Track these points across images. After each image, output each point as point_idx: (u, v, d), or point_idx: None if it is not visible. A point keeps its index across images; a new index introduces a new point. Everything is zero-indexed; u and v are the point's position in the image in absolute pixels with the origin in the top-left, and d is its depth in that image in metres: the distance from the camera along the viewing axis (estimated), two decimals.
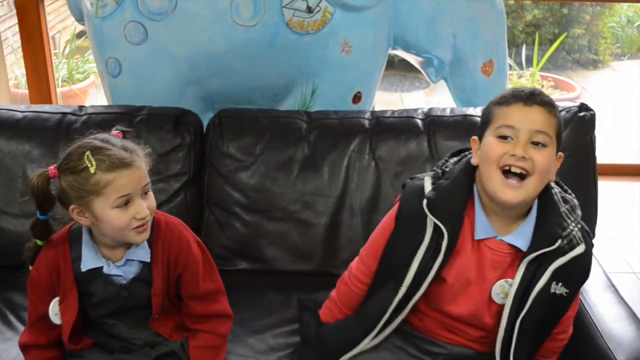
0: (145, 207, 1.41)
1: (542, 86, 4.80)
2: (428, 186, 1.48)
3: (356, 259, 1.60)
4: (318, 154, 1.98)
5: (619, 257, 2.93)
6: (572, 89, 4.83)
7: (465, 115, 2.01)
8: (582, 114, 1.96)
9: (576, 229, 1.43)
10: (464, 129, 1.97)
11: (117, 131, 1.49)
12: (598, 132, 1.99)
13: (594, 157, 1.96)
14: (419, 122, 2.01)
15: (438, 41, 2.37)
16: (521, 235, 1.43)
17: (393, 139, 1.98)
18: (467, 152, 1.54)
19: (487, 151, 1.40)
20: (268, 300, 1.89)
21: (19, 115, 2.06)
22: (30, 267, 1.54)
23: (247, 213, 1.99)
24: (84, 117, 2.04)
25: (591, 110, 1.98)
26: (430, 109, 2.06)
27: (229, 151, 2.01)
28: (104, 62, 2.25)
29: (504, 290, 1.45)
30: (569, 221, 1.43)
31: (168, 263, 1.51)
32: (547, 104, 1.39)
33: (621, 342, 1.55)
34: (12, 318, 1.80)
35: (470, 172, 1.46)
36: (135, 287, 1.51)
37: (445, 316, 1.51)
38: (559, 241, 1.40)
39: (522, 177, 1.37)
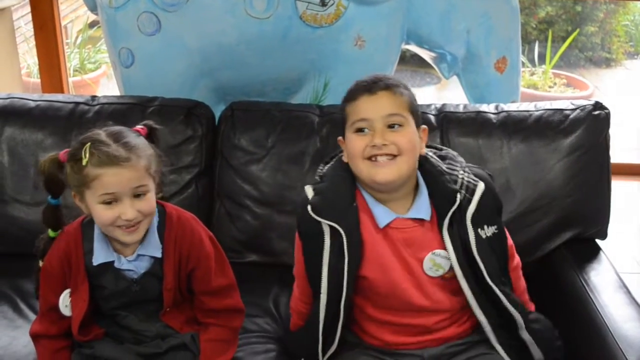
0: (132, 209, 1.39)
1: (555, 84, 4.78)
2: (310, 193, 1.51)
3: (295, 281, 1.63)
4: (330, 148, 1.97)
5: (631, 257, 2.91)
6: (585, 87, 4.79)
7: (479, 112, 2.00)
8: (596, 112, 1.95)
9: (466, 174, 1.48)
10: (477, 125, 1.96)
11: (142, 126, 1.49)
12: (610, 131, 1.98)
13: (607, 157, 1.95)
14: (432, 117, 2.00)
15: (452, 37, 2.36)
16: (419, 207, 1.48)
17: None
18: (335, 156, 1.59)
19: (350, 148, 1.45)
20: (277, 293, 1.89)
21: (32, 104, 2.06)
22: (40, 262, 1.54)
23: (258, 206, 1.98)
24: (97, 107, 2.04)
25: (606, 108, 1.96)
26: (444, 105, 2.05)
27: (241, 143, 2.00)
28: (117, 52, 2.25)
29: (436, 262, 1.47)
30: (456, 172, 1.48)
31: (180, 258, 1.50)
32: (392, 86, 1.45)
33: (632, 343, 1.53)
34: (22, 306, 1.81)
35: (346, 168, 1.50)
36: (146, 282, 1.51)
37: (389, 315, 1.51)
38: (458, 195, 1.44)
39: (390, 157, 1.41)
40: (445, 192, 1.46)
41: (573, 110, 1.97)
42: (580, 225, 1.93)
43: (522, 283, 1.62)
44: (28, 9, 3.18)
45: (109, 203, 1.39)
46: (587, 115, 1.94)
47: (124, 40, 2.21)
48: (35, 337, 1.56)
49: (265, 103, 2.11)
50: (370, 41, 2.23)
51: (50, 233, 1.53)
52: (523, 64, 4.15)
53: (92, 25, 4.92)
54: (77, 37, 4.96)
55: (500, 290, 1.47)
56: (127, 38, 2.20)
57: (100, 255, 1.48)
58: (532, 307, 1.61)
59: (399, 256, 1.48)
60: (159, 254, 1.49)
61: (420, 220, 1.48)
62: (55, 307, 1.52)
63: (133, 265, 1.50)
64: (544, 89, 4.72)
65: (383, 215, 1.47)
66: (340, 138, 1.53)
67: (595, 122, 1.94)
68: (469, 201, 1.45)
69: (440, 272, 1.48)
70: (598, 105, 1.97)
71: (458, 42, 2.38)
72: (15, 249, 1.99)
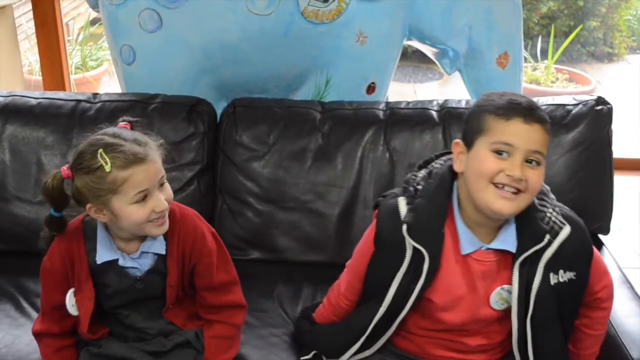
0: (163, 199, 1.40)
1: (557, 79, 4.76)
2: (403, 207, 1.44)
3: (343, 275, 1.59)
4: (332, 145, 1.97)
5: (634, 252, 2.91)
6: (587, 82, 4.78)
7: None
8: (599, 107, 1.94)
9: (554, 213, 1.42)
10: None
11: (124, 122, 1.46)
12: (613, 126, 1.97)
13: (610, 152, 1.95)
14: (434, 113, 1.99)
15: (453, 32, 2.36)
16: (506, 239, 1.42)
17: (408, 130, 1.97)
18: (433, 163, 1.51)
19: (481, 166, 1.35)
20: (280, 290, 1.89)
21: (33, 101, 2.06)
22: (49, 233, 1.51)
23: (259, 202, 1.98)
24: (98, 105, 2.04)
25: (608, 104, 1.96)
26: (446, 101, 2.05)
27: (243, 140, 2.00)
28: (118, 49, 2.24)
29: (502, 297, 1.45)
30: (545, 210, 1.42)
31: (183, 254, 1.50)
32: (545, 122, 1.36)
33: (636, 338, 1.54)
34: (25, 304, 1.81)
35: (447, 184, 1.43)
36: (150, 279, 1.51)
37: (439, 331, 1.49)
38: (547, 236, 1.39)
39: (515, 191, 1.35)
40: (535, 230, 1.39)
41: (575, 105, 1.96)
42: (583, 221, 1.92)
43: (591, 344, 1.54)
44: (29, 6, 3.17)
45: (142, 200, 1.38)
46: (589, 111, 1.94)
47: (126, 38, 2.21)
48: (37, 335, 1.56)
49: (267, 100, 2.10)
50: (372, 37, 2.23)
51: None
52: (525, 59, 4.14)
53: (93, 22, 4.91)
54: (78, 35, 4.95)
55: (534, 336, 1.43)
56: (129, 35, 2.20)
57: (103, 253, 1.48)
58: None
59: (471, 287, 1.44)
60: (162, 251, 1.49)
61: (501, 253, 1.43)
62: (57, 306, 1.51)
63: (137, 262, 1.49)
64: (546, 84, 4.71)
65: (468, 243, 1.42)
66: (458, 141, 1.42)
67: (597, 117, 1.94)
68: (550, 243, 1.39)
69: (505, 306, 1.45)
70: (600, 101, 1.96)
71: (460, 38, 2.37)
72: (17, 246, 1.99)
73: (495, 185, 1.34)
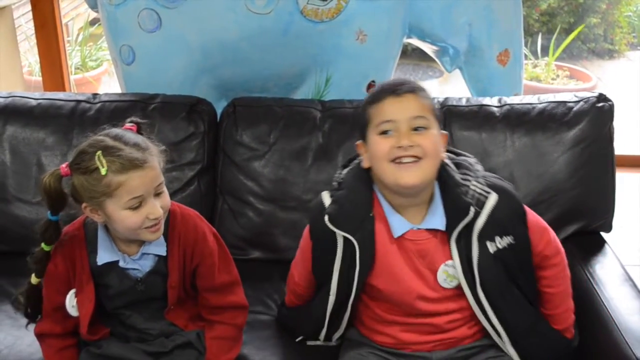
0: (158, 206, 1.39)
1: (558, 76, 4.76)
2: (327, 200, 1.51)
3: (294, 265, 1.65)
4: (332, 143, 1.97)
5: (637, 250, 2.90)
6: (588, 79, 4.78)
7: (482, 105, 1.99)
8: (600, 104, 1.94)
9: (477, 185, 1.46)
10: (480, 119, 1.95)
11: (131, 124, 1.45)
12: (614, 122, 1.96)
13: (612, 149, 1.94)
14: None
15: (454, 30, 2.35)
16: (434, 217, 1.47)
17: None
18: (355, 160, 1.56)
19: (375, 150, 1.43)
20: (281, 290, 1.87)
21: (33, 102, 2.06)
22: (33, 277, 1.50)
23: (260, 202, 1.98)
24: (98, 105, 2.04)
25: (610, 100, 1.95)
26: (446, 99, 2.04)
27: (243, 140, 2.00)
28: (118, 49, 2.24)
29: (449, 274, 1.48)
30: (467, 183, 1.46)
31: (184, 255, 1.50)
32: (417, 89, 1.45)
33: (639, 336, 1.53)
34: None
35: (365, 175, 1.50)
36: (151, 281, 1.50)
37: (403, 316, 1.51)
38: (472, 209, 1.43)
39: (414, 159, 1.40)
40: (459, 205, 1.44)
41: (577, 102, 1.96)
42: (585, 218, 1.92)
43: (559, 302, 1.56)
44: (29, 7, 3.17)
45: (135, 208, 1.37)
46: (590, 108, 1.93)
47: (125, 38, 2.21)
48: (40, 336, 1.56)
49: (267, 99, 2.10)
50: (371, 35, 2.22)
51: (44, 247, 1.48)
52: (525, 56, 4.14)
53: (93, 22, 4.91)
54: (78, 35, 4.95)
55: (493, 305, 1.46)
56: (128, 35, 2.19)
57: (104, 255, 1.47)
58: (559, 322, 1.55)
59: (412, 267, 1.48)
60: (163, 252, 1.49)
61: (434, 231, 1.47)
62: (59, 307, 1.51)
63: (138, 264, 1.49)
64: (547, 81, 4.70)
65: (398, 225, 1.47)
66: (359, 142, 1.51)
67: (599, 114, 1.93)
68: (478, 214, 1.43)
69: (455, 283, 1.48)
70: (602, 97, 1.96)
71: (460, 36, 2.37)
72: (17, 247, 1.97)
73: (394, 162, 1.40)
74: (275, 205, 1.97)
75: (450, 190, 1.46)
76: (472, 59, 2.43)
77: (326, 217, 1.48)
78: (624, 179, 2.47)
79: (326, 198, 1.52)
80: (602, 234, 1.96)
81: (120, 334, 1.56)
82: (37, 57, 3.47)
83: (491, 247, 1.45)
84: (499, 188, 1.47)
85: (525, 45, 4.26)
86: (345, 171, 1.56)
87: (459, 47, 2.39)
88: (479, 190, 1.45)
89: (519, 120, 1.94)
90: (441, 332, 1.51)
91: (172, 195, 1.88)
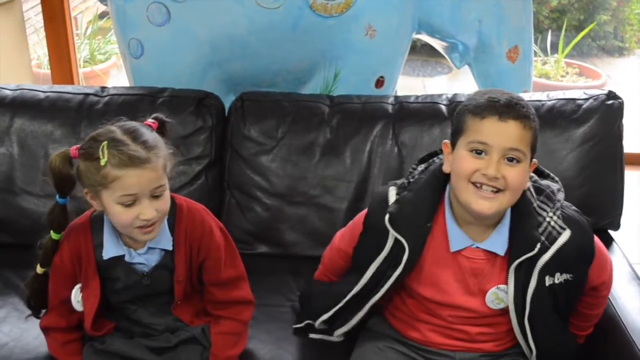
0: (151, 209, 1.37)
1: (567, 73, 4.73)
2: (392, 197, 1.46)
3: (339, 235, 1.62)
4: (340, 139, 1.97)
5: None
6: (598, 77, 4.74)
7: None
8: (610, 102, 1.93)
9: (555, 218, 1.40)
10: None
11: (153, 120, 1.45)
12: (624, 120, 1.95)
13: (621, 147, 1.93)
14: (444, 108, 1.98)
15: (463, 26, 2.34)
16: (496, 241, 1.42)
17: (417, 124, 1.96)
18: (435, 158, 1.51)
19: (459, 166, 1.37)
20: (288, 285, 1.88)
21: (42, 95, 2.06)
22: (39, 267, 1.51)
23: (267, 197, 1.98)
24: (106, 98, 2.04)
25: (619, 98, 1.95)
26: (455, 95, 2.04)
27: (251, 134, 2.00)
28: (126, 43, 2.24)
29: (498, 296, 1.45)
30: (544, 214, 1.41)
31: (191, 250, 1.50)
32: (523, 117, 1.34)
33: None
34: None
35: (438, 181, 1.44)
36: (157, 275, 1.50)
37: (439, 319, 1.50)
38: (538, 245, 1.38)
39: (495, 190, 1.35)
40: (527, 235, 1.39)
41: (586, 99, 1.95)
42: (593, 216, 1.87)
43: (590, 319, 1.57)
44: (38, 0, 3.17)
45: (127, 205, 1.36)
46: (600, 105, 1.92)
47: (134, 31, 2.21)
48: (45, 330, 1.57)
49: (275, 93, 2.10)
50: (381, 31, 2.22)
51: (53, 235, 1.49)
52: (535, 53, 4.13)
53: (102, 16, 4.91)
54: (87, 28, 4.95)
55: (532, 328, 1.45)
56: (137, 29, 2.19)
57: (110, 249, 1.47)
58: (580, 330, 1.58)
59: (462, 283, 1.46)
60: (169, 247, 1.48)
61: (494, 254, 1.43)
62: (65, 301, 1.51)
63: (144, 258, 1.49)
64: (556, 78, 4.67)
65: (457, 240, 1.43)
66: (446, 142, 1.43)
67: (608, 111, 1.92)
68: (546, 249, 1.39)
69: (501, 306, 1.46)
70: (611, 95, 1.95)
71: (470, 32, 2.36)
72: (24, 240, 1.96)
73: (474, 185, 1.34)
74: (283, 200, 1.97)
75: (523, 218, 1.40)
76: (481, 55, 2.42)
77: (387, 216, 1.44)
78: (632, 177, 2.46)
79: (392, 194, 1.47)
80: (610, 232, 1.96)
81: (126, 328, 1.56)
82: (45, 50, 3.47)
83: (548, 281, 1.41)
84: (574, 224, 1.42)
85: (535, 42, 4.24)
86: (420, 168, 1.50)
87: (469, 43, 2.39)
88: (552, 224, 1.40)
89: None
90: (470, 342, 1.51)
91: (180, 189, 1.89)
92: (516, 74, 2.45)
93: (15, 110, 2.03)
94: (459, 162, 1.37)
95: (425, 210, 1.44)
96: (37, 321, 1.59)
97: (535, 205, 1.41)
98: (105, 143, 1.34)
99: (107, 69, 4.65)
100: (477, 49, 2.40)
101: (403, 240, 1.43)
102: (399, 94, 2.30)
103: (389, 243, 1.45)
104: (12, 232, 2.02)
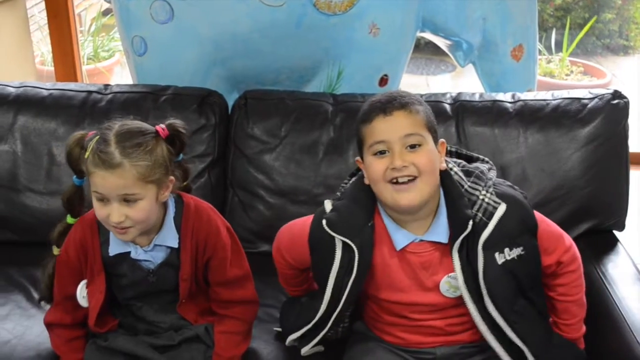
0: (119, 213, 1.37)
1: (572, 72, 4.72)
2: (328, 208, 1.49)
3: (285, 243, 1.60)
4: (344, 137, 1.96)
5: None
6: (603, 75, 4.73)
7: (495, 101, 1.98)
8: (615, 101, 1.92)
9: (488, 195, 1.43)
10: (494, 114, 1.94)
11: (164, 127, 1.44)
12: (629, 120, 1.94)
13: (626, 147, 1.92)
14: (447, 106, 1.98)
15: (468, 24, 2.34)
16: (437, 229, 1.44)
17: None
18: (361, 171, 1.53)
19: (370, 172, 1.41)
20: None
21: (45, 92, 2.06)
22: (55, 248, 1.54)
23: (271, 195, 1.97)
24: (109, 96, 2.04)
25: (625, 97, 1.93)
26: (459, 94, 2.03)
27: (254, 132, 1.99)
28: (130, 40, 2.24)
29: (451, 284, 1.46)
30: (477, 193, 1.43)
31: (197, 248, 1.49)
32: (407, 104, 1.40)
33: None
34: (36, 295, 1.80)
35: (367, 188, 1.47)
36: (163, 272, 1.50)
37: (406, 319, 1.51)
38: (470, 222, 1.40)
39: (411, 178, 1.38)
40: (460, 217, 1.41)
41: (591, 99, 1.94)
42: (598, 217, 1.91)
43: (575, 311, 1.52)
44: None
45: (101, 200, 1.38)
46: (605, 105, 1.91)
47: (137, 29, 2.20)
48: (49, 326, 1.57)
49: (279, 92, 2.09)
50: (384, 29, 2.21)
51: (69, 219, 1.52)
52: (539, 51, 4.12)
53: (105, 13, 4.91)
54: (90, 25, 4.95)
55: (507, 319, 1.43)
56: (140, 26, 2.19)
57: (116, 245, 1.48)
58: (574, 331, 1.53)
59: (415, 279, 1.47)
60: (175, 244, 1.48)
61: (438, 243, 1.45)
62: (70, 297, 1.51)
63: (150, 255, 1.49)
64: (561, 77, 4.66)
65: (400, 238, 1.45)
66: (358, 159, 1.49)
67: (613, 111, 1.91)
68: (485, 225, 1.40)
69: (458, 293, 1.46)
70: (617, 94, 1.94)
71: (474, 30, 2.35)
72: (28, 237, 1.99)
73: (391, 182, 1.38)
74: (286, 199, 1.96)
75: (453, 201, 1.43)
76: (485, 53, 2.41)
77: (324, 221, 1.46)
78: (637, 178, 2.45)
79: (328, 206, 1.50)
80: (615, 232, 1.95)
81: (130, 325, 1.56)
82: (49, 47, 3.47)
83: (500, 259, 1.42)
84: (509, 197, 1.44)
85: (539, 41, 4.23)
86: (351, 181, 1.54)
87: (473, 41, 2.38)
88: (487, 200, 1.42)
89: (533, 116, 1.92)
90: (444, 335, 1.50)
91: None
92: (521, 73, 2.44)
93: (18, 107, 2.03)
94: (369, 169, 1.42)
95: (362, 210, 1.46)
96: (41, 318, 1.59)
97: (466, 187, 1.44)
98: (97, 137, 1.37)
99: (110, 66, 4.65)
100: (482, 48, 2.40)
101: (349, 242, 1.44)
102: None
103: (338, 251, 1.46)
104: (15, 230, 2.02)
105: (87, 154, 1.36)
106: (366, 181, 1.45)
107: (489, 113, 1.95)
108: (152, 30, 2.17)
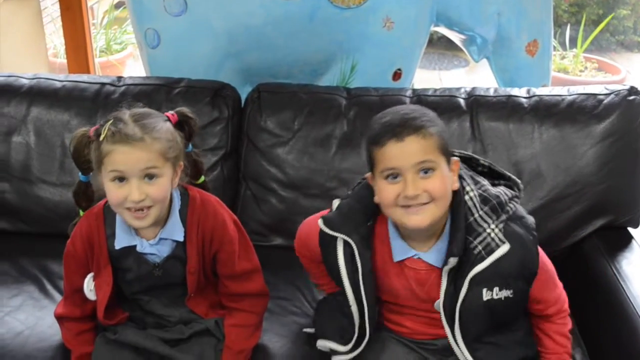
0: (139, 190, 1.36)
1: (586, 68, 4.68)
2: (334, 206, 1.48)
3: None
4: (357, 131, 1.95)
5: None
6: (617, 72, 4.69)
7: (510, 96, 1.96)
8: (631, 97, 1.90)
9: (496, 230, 1.38)
10: (508, 109, 1.93)
11: (173, 112, 1.46)
12: None
13: None
14: (462, 101, 1.96)
15: (482, 19, 2.32)
16: (436, 252, 1.41)
17: None
18: None
19: (382, 197, 1.37)
20: (303, 278, 1.87)
21: (58, 84, 2.06)
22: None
23: (283, 189, 1.97)
24: (122, 88, 2.04)
25: None
26: (474, 89, 2.02)
27: (267, 126, 1.99)
28: (143, 33, 2.24)
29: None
30: (485, 226, 1.38)
31: (203, 241, 1.49)
32: (420, 129, 1.33)
33: None
34: (49, 287, 1.82)
35: (372, 192, 1.43)
36: (169, 266, 1.50)
37: (417, 309, 1.50)
38: (454, 259, 1.37)
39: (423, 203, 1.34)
40: (458, 244, 1.37)
41: (607, 95, 1.92)
42: (612, 213, 1.89)
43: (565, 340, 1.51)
44: None
45: (119, 182, 1.36)
46: (621, 101, 1.90)
47: (150, 21, 2.20)
48: (59, 318, 1.57)
49: (292, 85, 2.08)
50: (399, 23, 2.20)
51: (82, 214, 1.53)
52: (553, 47, 4.10)
53: (118, 5, 4.92)
54: (103, 18, 4.96)
55: (469, 347, 1.43)
56: (153, 18, 2.19)
57: (122, 238, 1.47)
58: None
59: (411, 290, 1.46)
60: (181, 238, 1.48)
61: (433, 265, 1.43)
62: (79, 290, 1.51)
63: (155, 249, 1.48)
64: (575, 73, 4.63)
65: (399, 250, 1.44)
66: (368, 175, 1.44)
67: (630, 107, 1.89)
68: (482, 259, 1.37)
69: None
70: (633, 90, 1.92)
71: (489, 25, 2.33)
72: (41, 229, 2.00)
73: (402, 206, 1.35)
74: (299, 193, 1.96)
75: (457, 228, 1.38)
76: (500, 49, 2.40)
77: (320, 221, 1.45)
78: None
79: (334, 204, 1.49)
80: (630, 229, 1.93)
81: (139, 319, 1.56)
82: (62, 40, 3.47)
83: (486, 295, 1.39)
84: (516, 239, 1.39)
85: (554, 37, 4.21)
86: (364, 181, 1.51)
87: (487, 36, 2.36)
88: (492, 236, 1.38)
89: (548, 112, 1.91)
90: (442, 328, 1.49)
91: None
92: (535, 68, 2.43)
93: (32, 99, 2.03)
94: (380, 193, 1.38)
95: (363, 210, 1.44)
96: (52, 309, 1.60)
97: (476, 216, 1.39)
98: (110, 121, 1.37)
99: (123, 59, 4.65)
100: (496, 43, 2.38)
101: (346, 238, 1.42)
102: (416, 87, 2.29)
103: (340, 248, 1.44)
104: (28, 221, 2.03)
105: (102, 136, 1.35)
106: (376, 199, 1.41)
107: (504, 108, 1.93)
108: (165, 23, 2.17)
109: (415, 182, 1.33)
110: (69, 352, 1.56)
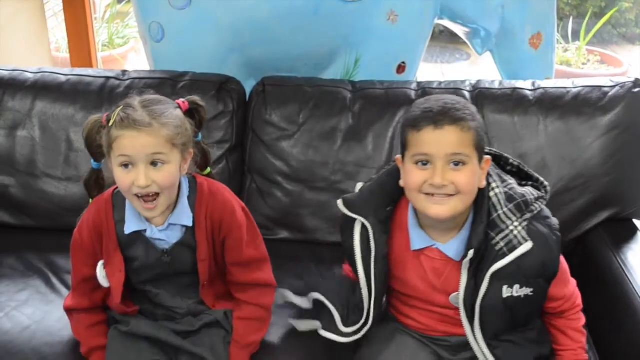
0: (145, 176, 1.36)
1: (589, 60, 4.68)
2: (357, 189, 1.49)
3: None
4: (362, 125, 1.95)
5: None
6: (620, 64, 4.69)
7: (515, 89, 1.96)
8: (636, 90, 1.90)
9: (519, 228, 1.38)
10: (513, 102, 1.93)
11: (184, 100, 1.47)
12: None
13: None
14: (467, 94, 1.96)
15: (486, 12, 2.32)
16: (455, 244, 1.41)
17: None
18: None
19: (408, 180, 1.38)
20: (308, 270, 1.88)
21: (63, 78, 2.06)
22: None
23: (288, 182, 1.97)
24: (127, 82, 2.04)
25: None
26: (478, 81, 2.02)
27: (272, 119, 1.99)
28: (147, 26, 2.23)
29: (458, 298, 1.44)
30: (508, 222, 1.38)
31: (212, 227, 1.49)
32: (459, 120, 1.33)
33: None
34: (55, 281, 1.82)
35: (398, 175, 1.44)
36: (177, 253, 1.50)
37: (429, 304, 1.49)
38: (471, 252, 1.37)
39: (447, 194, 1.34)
40: (478, 239, 1.37)
41: (612, 87, 1.92)
42: (618, 205, 1.89)
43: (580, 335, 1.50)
44: None
45: (126, 167, 1.37)
46: (626, 93, 1.90)
47: (154, 15, 2.20)
48: (68, 311, 1.57)
49: (297, 78, 2.08)
50: (403, 16, 2.20)
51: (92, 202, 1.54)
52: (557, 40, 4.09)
53: (120, 0, 4.91)
54: (105, 12, 4.95)
55: (489, 344, 1.43)
56: (158, 12, 2.18)
57: (132, 223, 1.47)
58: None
59: (426, 280, 1.45)
60: (189, 223, 1.48)
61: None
62: (86, 279, 1.51)
63: (164, 234, 1.48)
64: (577, 65, 4.62)
65: (418, 239, 1.44)
66: (398, 157, 1.43)
67: (635, 99, 1.89)
68: (504, 256, 1.37)
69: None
70: (638, 83, 1.92)
71: (492, 18, 2.33)
72: (46, 223, 2.00)
73: (426, 194, 1.35)
74: (304, 186, 1.96)
75: (479, 224, 1.38)
76: (503, 41, 2.39)
77: (339, 201, 1.45)
78: None
79: (357, 187, 1.50)
80: (635, 221, 1.93)
81: (149, 311, 1.56)
82: (64, 34, 3.47)
83: (506, 292, 1.39)
84: (540, 238, 1.39)
85: (557, 29, 4.21)
86: (388, 167, 1.51)
87: (491, 29, 2.36)
88: (515, 233, 1.38)
89: (553, 104, 1.91)
90: (459, 326, 1.48)
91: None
92: (539, 61, 2.42)
93: (36, 93, 2.03)
94: (407, 176, 1.38)
95: (384, 194, 1.45)
96: (60, 304, 1.60)
97: (500, 213, 1.39)
98: (120, 107, 1.39)
99: (125, 53, 4.65)
100: (500, 35, 2.38)
101: (362, 219, 1.43)
102: (419, 80, 2.29)
103: (357, 228, 1.45)
104: (33, 216, 2.03)
105: (111, 122, 1.37)
106: (401, 183, 1.42)
107: (509, 101, 1.93)
108: (169, 17, 2.16)
109: (445, 172, 1.33)
110: (76, 346, 1.56)
